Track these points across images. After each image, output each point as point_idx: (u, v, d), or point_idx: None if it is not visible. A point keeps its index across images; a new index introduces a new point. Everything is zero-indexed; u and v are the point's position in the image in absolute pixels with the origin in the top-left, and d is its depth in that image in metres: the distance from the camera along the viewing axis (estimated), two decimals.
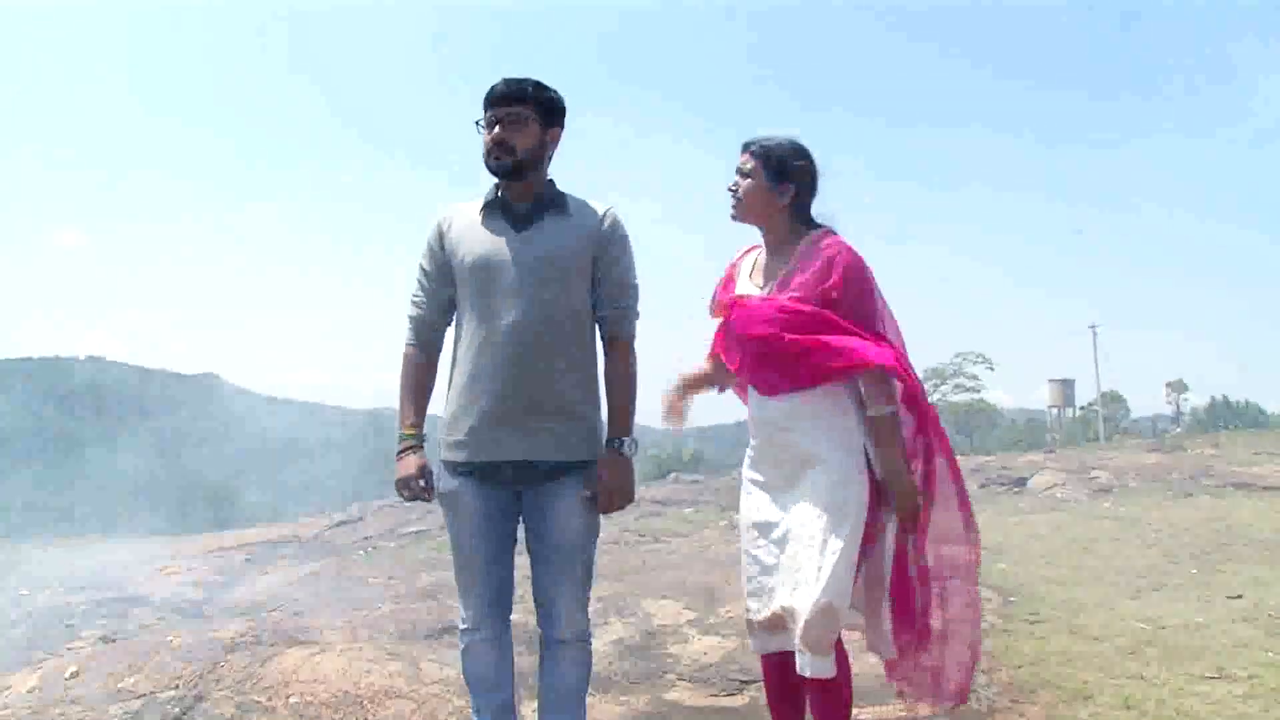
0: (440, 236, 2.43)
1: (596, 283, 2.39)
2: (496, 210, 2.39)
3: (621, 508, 2.39)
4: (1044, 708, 3.28)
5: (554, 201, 2.39)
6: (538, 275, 2.31)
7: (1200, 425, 36.46)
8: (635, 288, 2.45)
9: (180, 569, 7.89)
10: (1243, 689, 3.34)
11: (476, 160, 2.39)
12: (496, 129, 2.32)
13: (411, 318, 2.47)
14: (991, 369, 43.23)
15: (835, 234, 2.44)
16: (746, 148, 2.47)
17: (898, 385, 2.33)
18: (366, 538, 10.84)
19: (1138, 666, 3.64)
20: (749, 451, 2.54)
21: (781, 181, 2.41)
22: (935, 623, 2.46)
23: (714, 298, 2.63)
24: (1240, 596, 4.71)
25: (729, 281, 2.60)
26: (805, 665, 2.29)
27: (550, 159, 2.43)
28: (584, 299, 2.38)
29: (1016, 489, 10.48)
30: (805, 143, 2.49)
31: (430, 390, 2.48)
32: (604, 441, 2.40)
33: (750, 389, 2.53)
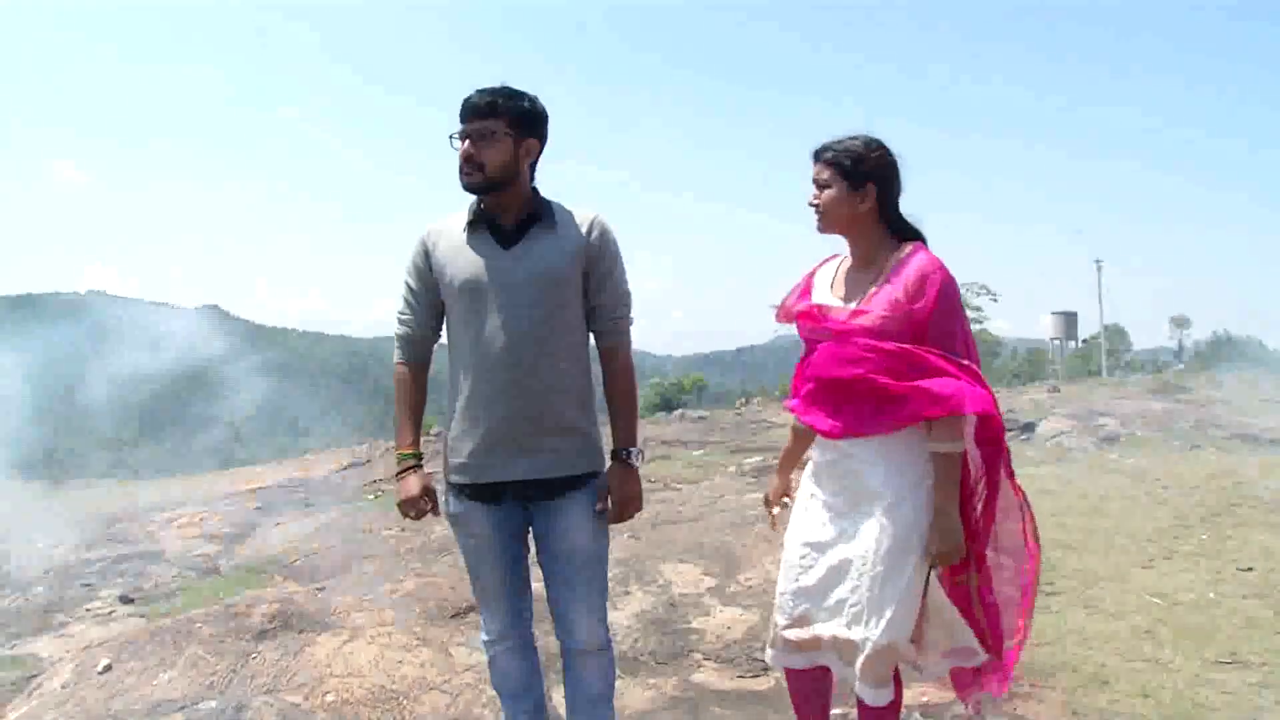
0: (426, 256, 2.37)
1: (589, 295, 2.36)
2: (482, 228, 2.33)
3: (632, 517, 2.41)
4: (1063, 693, 3.33)
5: (539, 215, 2.33)
6: (528, 294, 2.27)
7: (1201, 360, 36.51)
8: (628, 295, 2.42)
9: (192, 519, 7.95)
10: (1256, 677, 3.39)
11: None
12: (466, 144, 2.26)
13: (400, 336, 2.44)
14: (995, 300, 43.00)
15: (927, 248, 2.32)
16: (818, 157, 2.34)
17: (973, 422, 2.28)
18: (374, 481, 10.94)
19: (1153, 649, 3.69)
20: (811, 462, 2.48)
21: (862, 184, 2.29)
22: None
23: (783, 303, 2.50)
24: (1251, 569, 4.75)
25: (805, 291, 2.47)
26: (866, 696, 2.29)
27: (533, 168, 2.35)
28: (577, 313, 2.35)
29: (1024, 436, 10.53)
30: (878, 136, 2.35)
31: (424, 407, 2.48)
32: (608, 452, 2.40)
33: None
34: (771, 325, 2.63)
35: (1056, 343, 44.81)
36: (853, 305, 2.31)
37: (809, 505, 2.43)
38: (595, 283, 2.35)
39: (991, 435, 2.28)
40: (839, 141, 2.34)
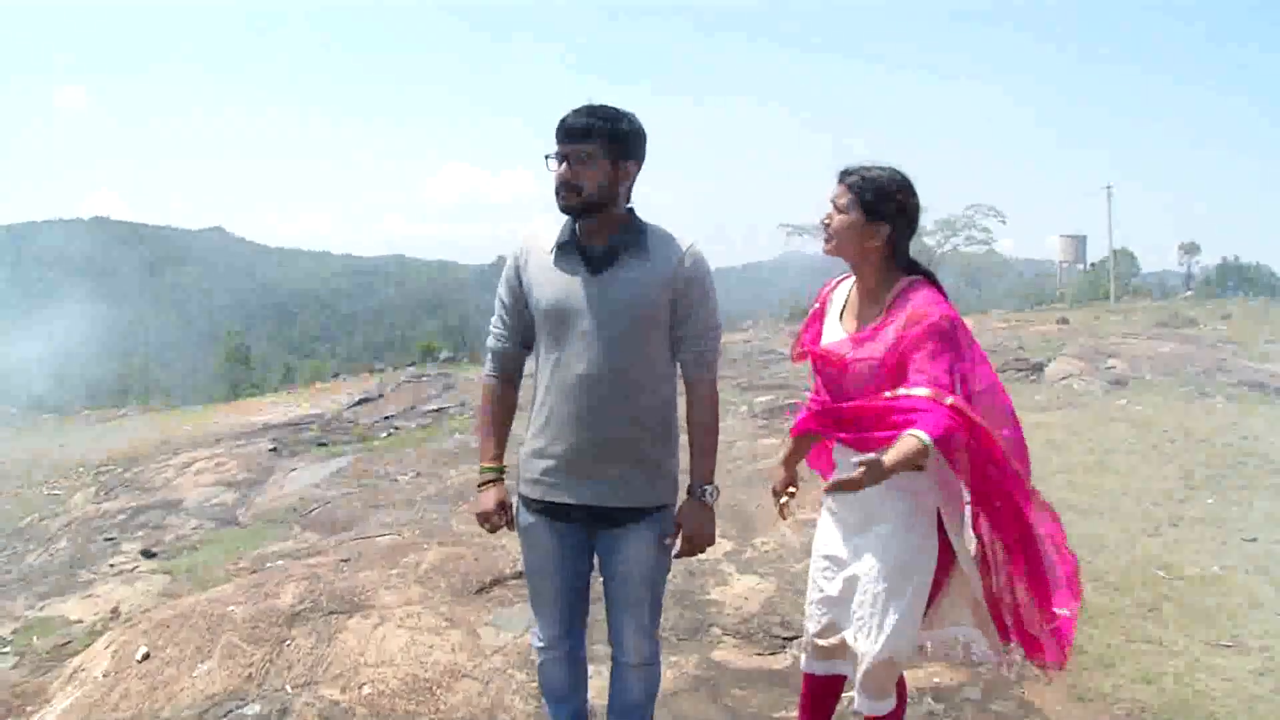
0: (517, 272, 2.37)
1: (675, 325, 2.32)
2: (572, 249, 2.30)
3: (702, 552, 2.43)
4: (1068, 675, 3.44)
5: (633, 240, 2.29)
6: (612, 322, 2.25)
7: (1210, 287, 36.37)
8: (717, 328, 2.39)
9: (208, 463, 8.04)
10: (1256, 663, 3.46)
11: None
12: (563, 167, 2.22)
13: (491, 349, 2.46)
14: (1003, 222, 42.66)
15: (929, 285, 2.33)
16: (843, 178, 2.34)
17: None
18: (387, 417, 11.05)
19: (1156, 629, 3.78)
20: (834, 476, 2.55)
21: (877, 220, 2.30)
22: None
23: (799, 338, 2.55)
24: (1255, 539, 4.83)
25: (816, 319, 2.52)
26: (865, 707, 2.38)
27: (630, 190, 2.31)
28: (662, 343, 2.32)
29: (1033, 377, 10.59)
30: (907, 174, 2.35)
31: (511, 422, 2.49)
32: (683, 486, 2.39)
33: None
34: (790, 353, 2.73)
35: (1064, 265, 44.61)
36: (857, 342, 2.35)
37: (828, 519, 2.52)
38: (682, 313, 2.31)
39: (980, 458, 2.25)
40: (868, 169, 2.33)
